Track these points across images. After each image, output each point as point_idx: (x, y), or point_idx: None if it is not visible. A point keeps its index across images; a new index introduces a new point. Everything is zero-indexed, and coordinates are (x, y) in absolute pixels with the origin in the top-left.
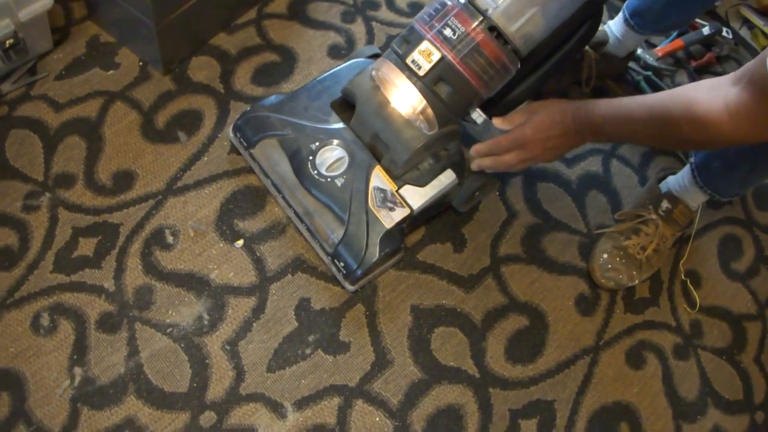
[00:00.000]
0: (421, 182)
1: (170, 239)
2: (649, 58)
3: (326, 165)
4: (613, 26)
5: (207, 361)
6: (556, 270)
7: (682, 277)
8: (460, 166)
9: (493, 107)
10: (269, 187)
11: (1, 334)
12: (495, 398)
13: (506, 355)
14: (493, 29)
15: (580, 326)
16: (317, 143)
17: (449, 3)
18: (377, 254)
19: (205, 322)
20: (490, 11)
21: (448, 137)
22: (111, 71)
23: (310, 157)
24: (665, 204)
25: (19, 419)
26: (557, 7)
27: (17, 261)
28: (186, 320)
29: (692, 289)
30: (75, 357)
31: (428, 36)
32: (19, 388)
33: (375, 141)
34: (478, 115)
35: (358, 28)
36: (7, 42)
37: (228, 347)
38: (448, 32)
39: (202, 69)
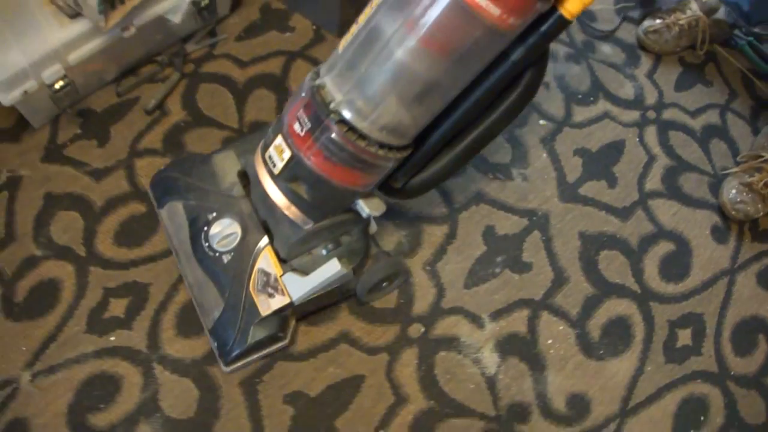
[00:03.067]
0: (306, 270)
1: None
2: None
3: (217, 239)
4: None
5: (411, 279)
6: (692, 204)
7: None
8: (359, 255)
9: (400, 189)
10: (172, 250)
11: None
12: (655, 311)
13: (660, 275)
14: (343, 121)
15: (717, 252)
16: (214, 214)
17: (303, 93)
18: (247, 342)
19: (405, 247)
20: (333, 104)
21: (344, 225)
22: (287, 33)
23: (205, 228)
24: None
25: None
26: (425, 89)
27: None
28: (389, 246)
29: None
30: None
31: (284, 129)
32: None
33: (266, 220)
34: (362, 209)
35: None
36: (203, 2)
37: (428, 267)
38: (297, 127)
39: None
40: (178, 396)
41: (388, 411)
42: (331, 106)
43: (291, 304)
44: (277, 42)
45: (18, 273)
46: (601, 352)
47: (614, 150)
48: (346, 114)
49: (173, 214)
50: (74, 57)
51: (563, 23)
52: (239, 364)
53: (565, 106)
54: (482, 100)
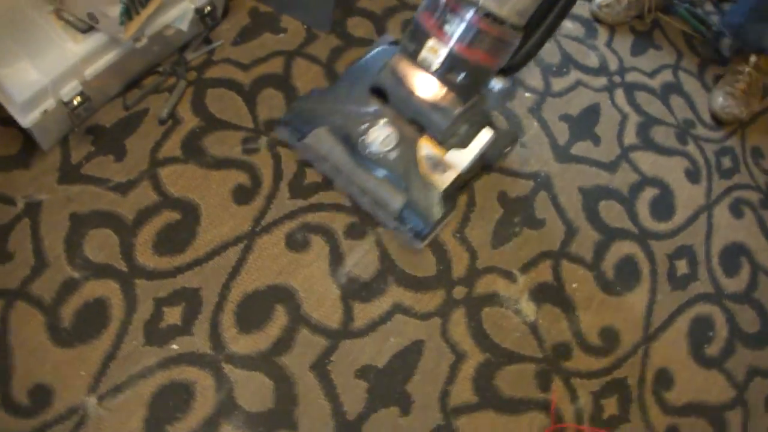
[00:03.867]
0: (464, 145)
1: None
2: None
3: (378, 142)
4: None
5: (445, 247)
6: (665, 152)
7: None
8: (493, 125)
9: (508, 67)
10: (326, 172)
11: (259, 257)
12: (654, 247)
13: (652, 216)
14: (489, 15)
15: (693, 191)
16: (366, 124)
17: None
18: (441, 212)
19: None
20: (481, 1)
21: (477, 105)
22: (281, 34)
23: (362, 138)
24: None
25: (300, 324)
26: None
27: (254, 196)
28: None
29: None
30: (333, 265)
31: (432, 32)
32: (291, 298)
33: (415, 118)
34: (494, 83)
35: (263, 159)
36: (206, 9)
37: (457, 235)
38: (447, 27)
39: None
40: (254, 390)
41: (450, 368)
42: (479, 2)
43: (460, 175)
44: (272, 43)
45: (58, 298)
46: (618, 288)
47: (592, 113)
48: (491, 7)
49: (320, 140)
50: (90, 72)
51: None
52: (430, 237)
53: (543, 78)
54: None
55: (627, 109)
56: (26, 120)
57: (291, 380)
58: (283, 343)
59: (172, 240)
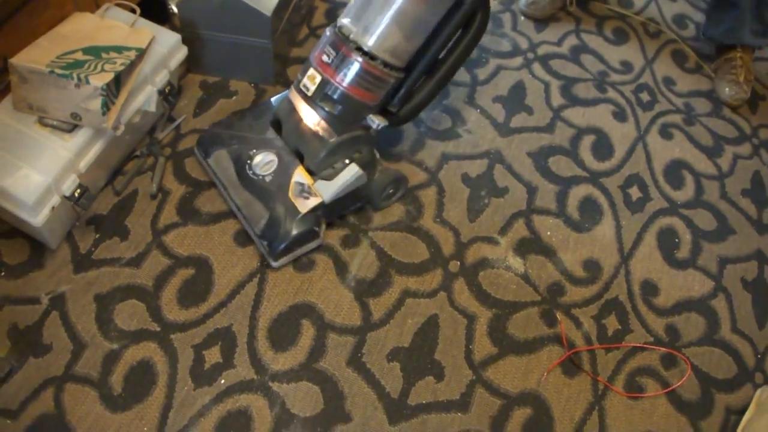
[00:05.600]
0: (331, 178)
1: None
2: None
3: (260, 166)
4: None
5: (430, 233)
6: (590, 104)
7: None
8: (370, 166)
9: (396, 115)
10: (219, 187)
11: (274, 285)
12: (605, 183)
13: (595, 158)
14: (359, 48)
15: (624, 128)
16: (254, 150)
17: (327, 33)
18: (292, 233)
19: (413, 213)
20: (351, 35)
21: (356, 142)
22: (234, 97)
23: (248, 161)
24: None
25: (327, 330)
26: (414, 20)
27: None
28: (401, 216)
29: None
30: (340, 274)
31: (313, 63)
32: (313, 311)
33: (298, 147)
34: (372, 121)
35: None
36: (166, 89)
37: (437, 220)
38: (325, 57)
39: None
40: (303, 398)
41: (467, 330)
42: (351, 37)
43: (323, 203)
44: (229, 106)
45: (104, 371)
46: (587, 225)
47: (519, 89)
48: (361, 41)
49: (219, 160)
50: (84, 164)
51: None
52: (285, 258)
53: (468, 72)
54: (449, 36)
55: (547, 77)
56: (37, 219)
57: (333, 380)
58: (317, 351)
59: (193, 292)
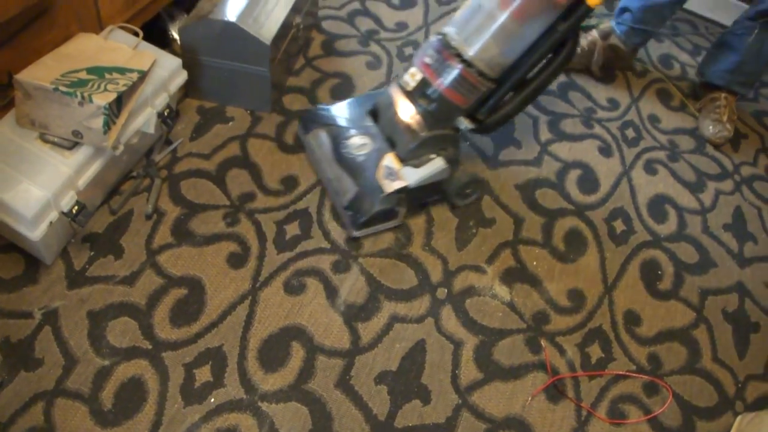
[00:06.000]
0: (418, 165)
1: None
2: None
3: (355, 146)
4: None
5: (419, 261)
6: (577, 139)
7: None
8: (454, 164)
9: (483, 122)
10: (313, 162)
11: (265, 307)
12: (591, 216)
13: (581, 192)
14: (459, 56)
15: (609, 163)
16: (352, 131)
17: (432, 39)
18: (375, 208)
19: (403, 241)
20: (454, 43)
21: (444, 140)
22: (230, 123)
23: (344, 140)
24: None
25: (316, 353)
26: (511, 38)
27: (246, 259)
28: (390, 243)
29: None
30: (330, 298)
31: (416, 62)
32: (303, 334)
33: (391, 136)
34: (461, 123)
35: (245, 228)
36: (165, 111)
37: (426, 248)
38: (427, 59)
39: (294, 102)
40: (292, 418)
41: (453, 356)
42: (453, 44)
43: (406, 187)
44: (225, 131)
45: (95, 387)
46: (572, 256)
47: (508, 124)
48: (462, 50)
49: (317, 137)
50: (82, 182)
51: (588, 9)
52: (365, 230)
53: None
54: (540, 56)
55: (535, 112)
56: (35, 234)
57: (321, 401)
58: (306, 372)
59: (185, 312)
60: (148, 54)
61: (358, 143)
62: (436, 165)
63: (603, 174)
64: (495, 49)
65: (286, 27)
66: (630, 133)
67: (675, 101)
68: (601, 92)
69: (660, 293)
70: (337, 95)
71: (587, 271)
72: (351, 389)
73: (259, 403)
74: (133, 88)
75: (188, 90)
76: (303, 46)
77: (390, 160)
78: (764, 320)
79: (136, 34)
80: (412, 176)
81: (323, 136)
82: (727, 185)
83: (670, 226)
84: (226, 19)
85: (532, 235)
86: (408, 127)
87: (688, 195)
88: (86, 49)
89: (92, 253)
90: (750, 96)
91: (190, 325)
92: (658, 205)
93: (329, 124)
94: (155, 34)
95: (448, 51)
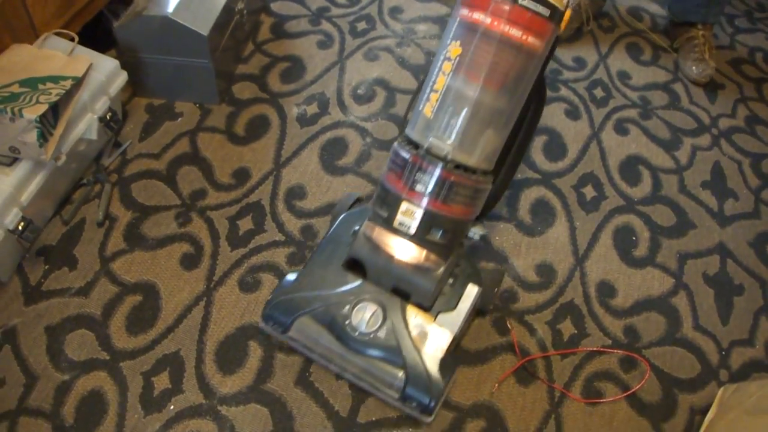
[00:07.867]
0: (451, 306)
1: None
2: None
3: (365, 323)
4: None
5: None
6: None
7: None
8: (475, 275)
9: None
10: (316, 359)
11: (221, 308)
12: (558, 184)
13: (547, 159)
14: (458, 166)
15: (577, 126)
16: (348, 306)
17: (408, 157)
18: (442, 383)
19: None
20: (448, 155)
21: (457, 258)
22: (179, 119)
23: (347, 321)
24: None
25: (274, 351)
26: (507, 116)
27: (200, 259)
28: None
29: None
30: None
31: (404, 196)
32: (259, 332)
33: (397, 285)
34: (473, 233)
35: (198, 227)
36: (107, 115)
37: None
38: (419, 187)
39: (243, 90)
40: (252, 421)
41: None
42: (447, 157)
43: (455, 339)
44: (174, 128)
45: (56, 403)
46: (539, 228)
47: None
48: (460, 158)
49: (304, 329)
50: (26, 197)
51: (557, 40)
52: (438, 408)
53: None
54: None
55: None
56: None
57: (282, 401)
58: (265, 372)
59: (141, 319)
60: (84, 59)
61: (367, 316)
62: (471, 296)
63: (570, 138)
64: (497, 140)
65: (227, 14)
66: (599, 92)
67: (646, 55)
68: (565, 52)
69: (635, 261)
70: (288, 79)
71: (556, 244)
72: (311, 386)
73: (219, 407)
74: (68, 95)
75: (135, 89)
76: (251, 32)
77: (416, 316)
78: (748, 281)
79: (72, 39)
80: (453, 323)
81: (313, 327)
82: (705, 140)
83: (644, 188)
84: (161, 14)
85: (495, 208)
86: (417, 269)
87: (663, 154)
88: (19, 60)
89: (47, 267)
90: (726, 43)
91: (146, 332)
92: (631, 166)
93: (310, 307)
94: (99, 35)
95: (444, 168)
